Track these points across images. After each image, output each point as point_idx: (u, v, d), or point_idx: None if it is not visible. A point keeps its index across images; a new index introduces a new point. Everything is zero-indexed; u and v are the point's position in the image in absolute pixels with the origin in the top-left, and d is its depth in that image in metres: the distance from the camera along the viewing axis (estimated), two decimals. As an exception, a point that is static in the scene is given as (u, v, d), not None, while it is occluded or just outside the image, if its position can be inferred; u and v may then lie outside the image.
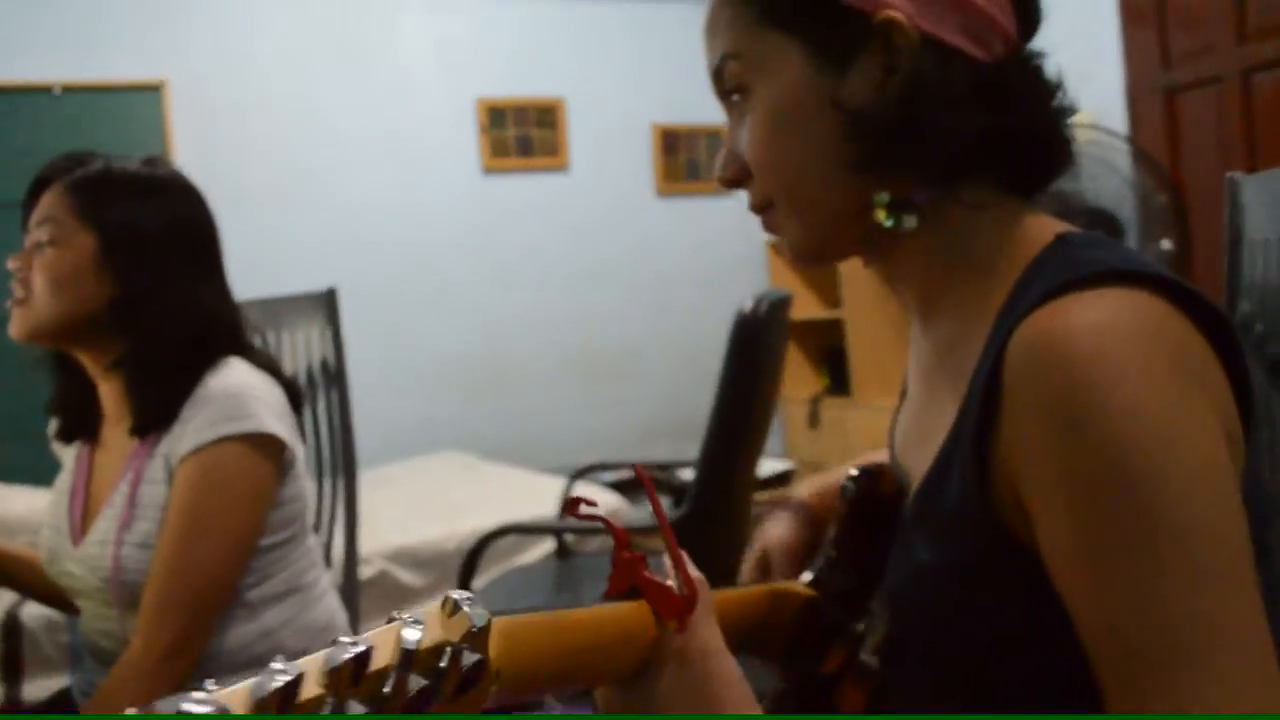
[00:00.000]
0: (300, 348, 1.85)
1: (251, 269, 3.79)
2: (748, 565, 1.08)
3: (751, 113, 0.80)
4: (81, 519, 1.43)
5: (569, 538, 2.68)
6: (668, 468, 3.70)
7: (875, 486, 0.88)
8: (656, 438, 4.56)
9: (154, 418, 1.36)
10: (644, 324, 4.59)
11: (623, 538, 0.69)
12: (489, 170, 4.39)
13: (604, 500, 2.93)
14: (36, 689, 2.27)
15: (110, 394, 1.42)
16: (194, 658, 1.33)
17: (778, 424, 4.63)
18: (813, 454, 4.25)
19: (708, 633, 0.70)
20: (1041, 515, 0.65)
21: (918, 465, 0.84)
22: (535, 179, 4.48)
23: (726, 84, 0.82)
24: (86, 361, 1.42)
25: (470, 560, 2.05)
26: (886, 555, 0.87)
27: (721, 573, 2.00)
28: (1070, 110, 0.79)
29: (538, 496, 3.10)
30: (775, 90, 0.78)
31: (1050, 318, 0.65)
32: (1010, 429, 0.67)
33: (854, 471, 0.89)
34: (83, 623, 1.46)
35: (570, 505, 0.71)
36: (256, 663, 1.40)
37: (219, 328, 1.42)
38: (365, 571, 2.63)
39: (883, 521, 0.89)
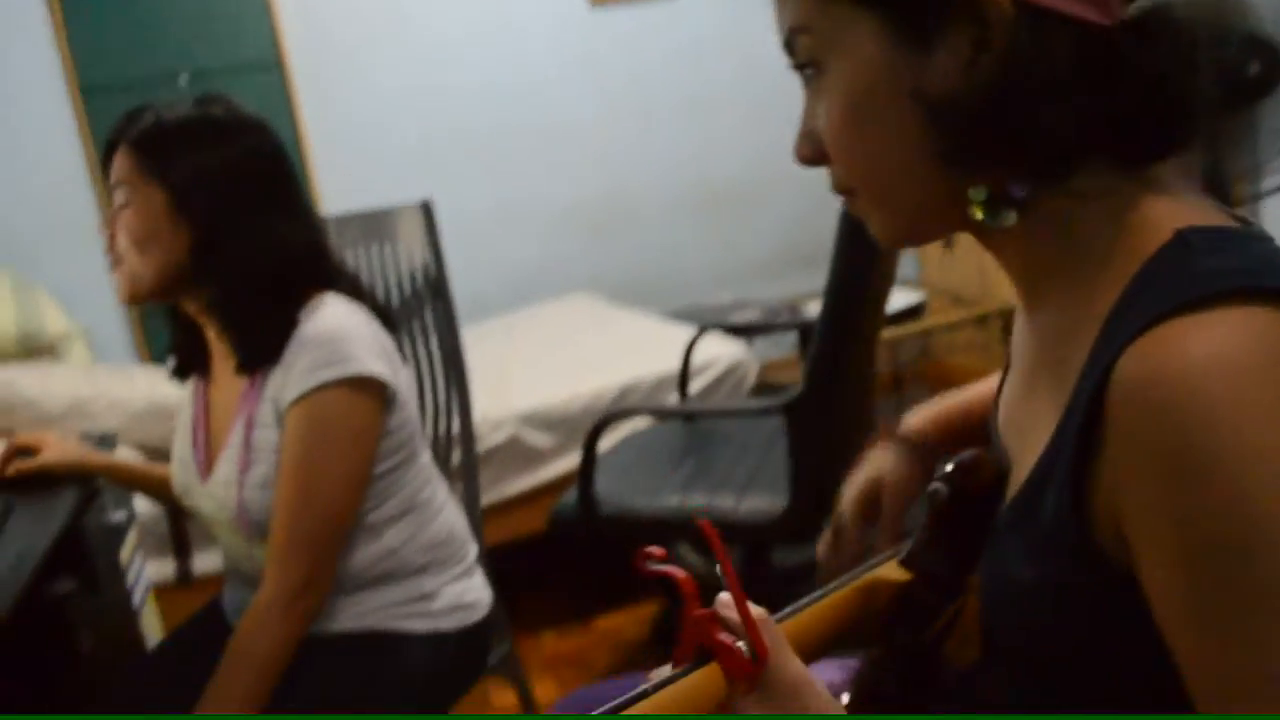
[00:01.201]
0: (403, 260, 1.85)
1: (353, 121, 3.87)
2: (853, 494, 1.06)
3: (826, 93, 0.73)
4: (205, 457, 1.49)
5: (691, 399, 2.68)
6: (795, 305, 3.65)
7: (970, 481, 0.84)
8: (784, 268, 4.47)
9: (254, 357, 1.40)
10: (763, 150, 4.42)
11: (693, 594, 0.68)
12: (595, 2, 4.22)
13: (726, 351, 2.91)
14: (203, 562, 2.43)
15: (214, 336, 1.46)
16: (323, 592, 1.40)
17: (910, 250, 4.48)
18: (947, 282, 4.10)
19: (779, 675, 0.69)
20: (1147, 562, 0.61)
21: (1017, 456, 0.79)
22: (643, 6, 4.29)
23: (798, 58, 0.74)
24: (188, 308, 1.45)
25: (592, 439, 2.07)
26: (984, 538, 0.83)
27: (843, 451, 1.98)
28: (1234, 52, 0.66)
29: (664, 346, 3.10)
30: (850, 72, 0.70)
31: (1160, 349, 0.59)
32: (1113, 468, 0.62)
33: (949, 467, 0.84)
34: (223, 547, 1.54)
35: (640, 558, 0.69)
36: (381, 580, 1.47)
37: (303, 261, 1.43)
38: (497, 436, 2.71)
39: (982, 505, 0.85)
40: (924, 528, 0.88)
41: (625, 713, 0.67)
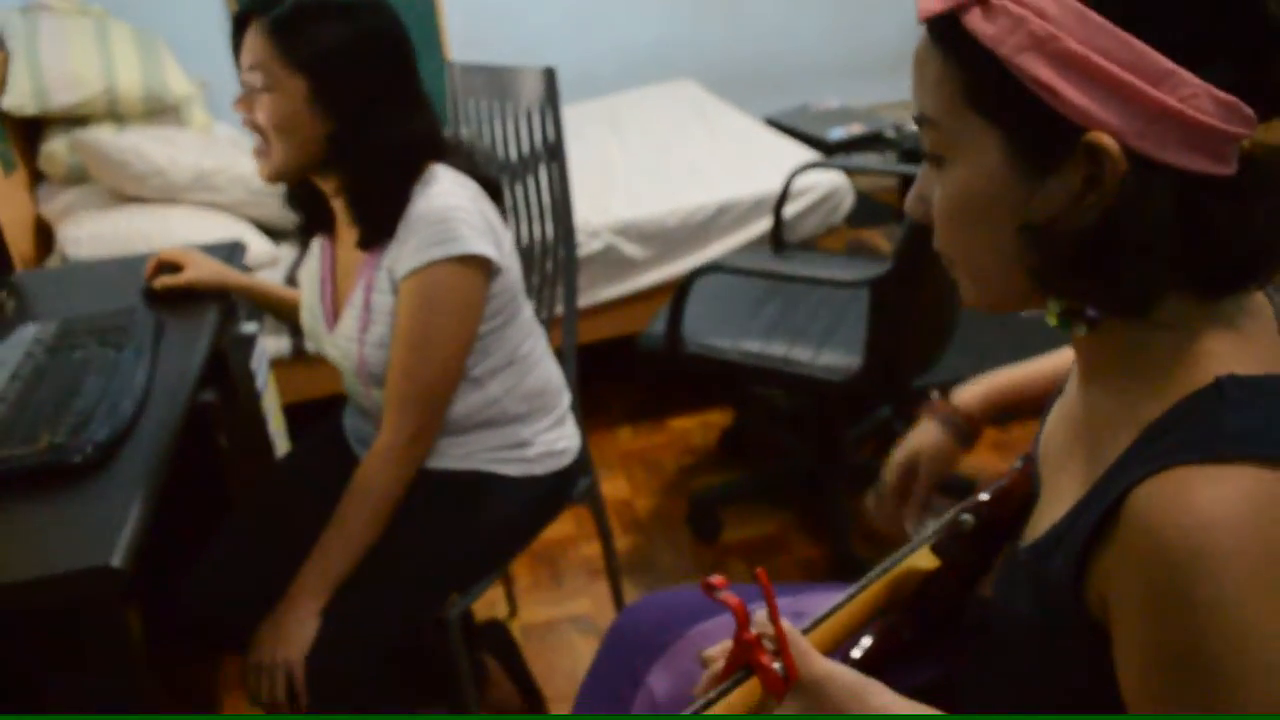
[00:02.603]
0: (522, 117, 1.91)
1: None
2: (895, 463, 1.18)
3: (942, 183, 0.80)
4: (331, 308, 1.65)
5: (786, 223, 2.75)
6: (902, 119, 3.61)
7: (998, 511, 0.96)
8: (906, 66, 4.37)
9: (374, 235, 1.52)
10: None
11: (744, 619, 0.83)
12: None
13: (824, 178, 2.94)
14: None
15: (340, 206, 1.57)
16: (432, 439, 1.58)
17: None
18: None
19: (807, 681, 0.84)
20: (1119, 650, 0.74)
21: (1046, 490, 0.91)
22: None
23: (924, 143, 0.81)
24: (319, 182, 1.57)
25: (682, 290, 2.18)
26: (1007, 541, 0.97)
27: (920, 329, 2.09)
28: None
29: (764, 160, 3.14)
30: (967, 176, 0.77)
31: (1171, 493, 0.69)
32: (1112, 567, 0.74)
33: (983, 497, 0.96)
34: (346, 383, 1.72)
35: (707, 588, 0.84)
36: (483, 426, 1.64)
37: (423, 142, 1.52)
38: (593, 245, 2.82)
39: (1011, 521, 0.98)
40: (954, 516, 1.01)
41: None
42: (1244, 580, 0.67)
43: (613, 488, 2.73)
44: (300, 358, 2.70)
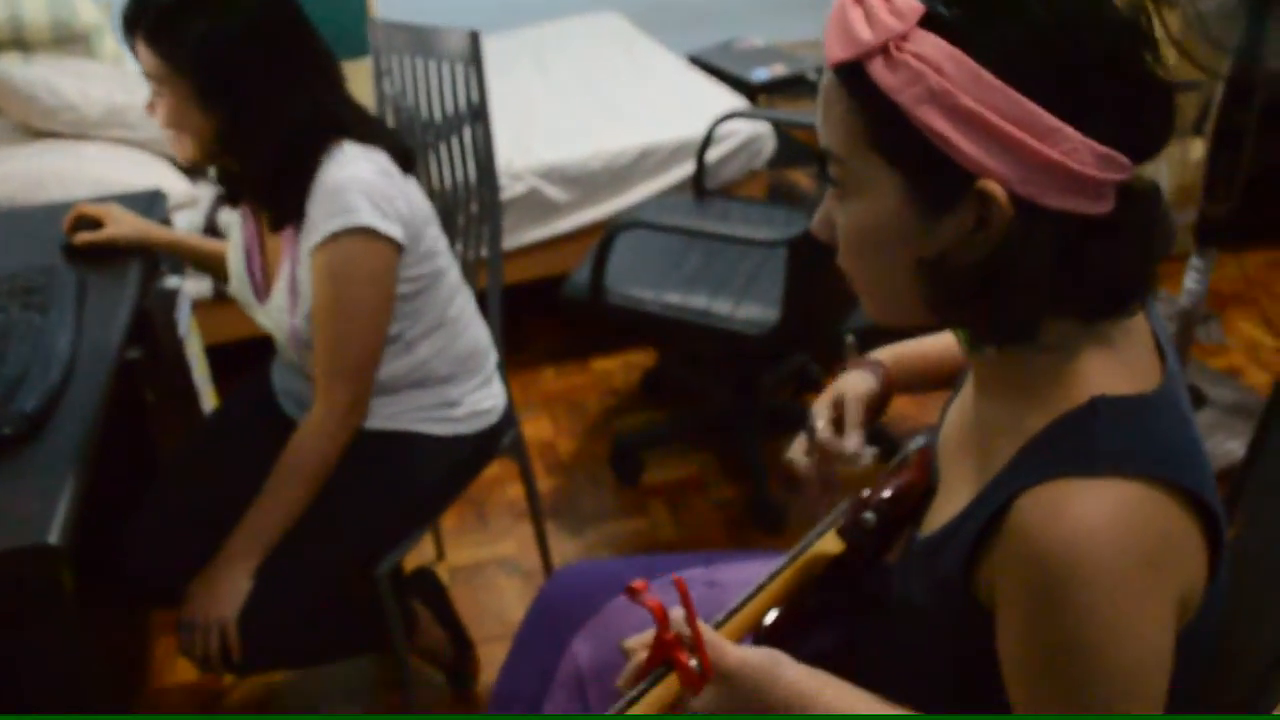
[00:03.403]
0: (446, 80, 1.91)
1: None
2: (823, 403, 1.23)
3: (844, 213, 0.85)
4: (262, 281, 1.66)
5: (707, 168, 2.78)
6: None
7: (898, 509, 1.04)
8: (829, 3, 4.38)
9: (281, 217, 1.55)
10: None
11: (664, 620, 0.89)
12: None
13: (745, 127, 2.97)
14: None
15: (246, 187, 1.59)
16: (365, 408, 1.61)
17: None
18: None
19: (723, 668, 0.91)
20: (1001, 635, 0.82)
21: (942, 482, 0.99)
22: None
23: (829, 174, 0.85)
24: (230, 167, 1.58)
25: (604, 246, 2.22)
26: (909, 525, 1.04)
27: (837, 286, 2.12)
28: (1171, 236, 0.82)
29: (687, 102, 3.16)
30: (868, 210, 0.82)
31: (1047, 505, 0.77)
32: (997, 565, 0.82)
33: (886, 494, 1.04)
34: (277, 344, 1.73)
35: (630, 593, 0.90)
36: (410, 387, 1.68)
37: (319, 121, 1.53)
38: (517, 188, 2.84)
39: (913, 508, 1.05)
40: (856, 502, 1.08)
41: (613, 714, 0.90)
42: (1113, 585, 0.75)
43: (536, 429, 2.78)
44: (221, 299, 2.68)
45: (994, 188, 0.75)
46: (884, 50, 0.75)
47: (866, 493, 1.08)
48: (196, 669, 1.61)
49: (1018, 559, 0.78)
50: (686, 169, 2.95)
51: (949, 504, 0.93)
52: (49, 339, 1.50)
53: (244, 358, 2.57)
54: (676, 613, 0.91)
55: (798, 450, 1.21)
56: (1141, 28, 0.76)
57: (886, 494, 1.04)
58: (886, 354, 1.26)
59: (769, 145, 3.04)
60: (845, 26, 0.78)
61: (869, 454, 1.12)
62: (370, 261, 1.52)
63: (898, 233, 0.81)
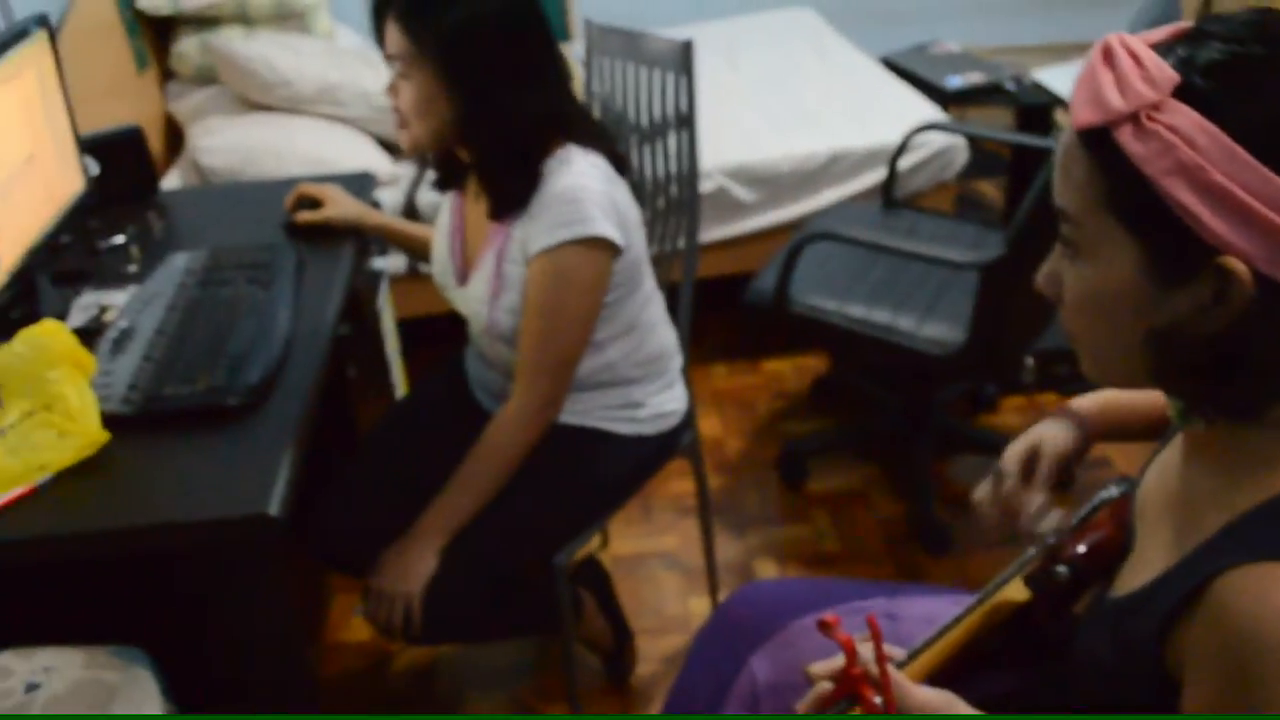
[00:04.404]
0: (656, 86, 1.94)
1: None
2: (1015, 452, 1.22)
3: (1074, 275, 0.84)
4: (462, 264, 1.72)
5: (898, 176, 2.75)
6: (1022, 70, 3.54)
7: (1093, 563, 1.02)
8: (1032, 9, 4.26)
9: (505, 208, 1.59)
10: None
11: (853, 656, 0.91)
12: None
13: (938, 137, 2.93)
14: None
15: (473, 177, 1.64)
16: (561, 404, 1.66)
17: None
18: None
19: (905, 708, 0.92)
20: (1189, 704, 0.81)
21: (1140, 543, 0.97)
22: None
23: (1061, 230, 0.85)
24: (458, 153, 1.64)
25: (791, 255, 2.22)
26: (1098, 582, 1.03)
27: (1028, 314, 2.10)
28: None
29: (879, 106, 3.13)
30: (1099, 274, 0.81)
31: (1253, 586, 0.75)
32: (1193, 639, 0.81)
33: (1080, 549, 1.02)
34: (470, 332, 1.80)
35: (822, 627, 0.91)
36: (598, 386, 1.72)
37: (553, 120, 1.58)
38: (705, 186, 2.85)
39: (1106, 567, 1.03)
40: (1047, 557, 1.07)
41: None
42: None
43: (705, 425, 2.81)
44: (414, 276, 2.79)
45: (1237, 265, 0.73)
46: (1134, 118, 0.74)
47: (1055, 538, 1.07)
48: (379, 634, 1.69)
49: (1217, 638, 0.77)
50: (875, 175, 2.92)
51: (1145, 568, 0.92)
52: (271, 313, 1.60)
53: (432, 332, 2.68)
54: (864, 649, 0.92)
55: (984, 493, 1.21)
56: None
57: (1081, 549, 1.03)
58: (1091, 403, 1.24)
59: (961, 157, 2.99)
60: (1095, 90, 0.77)
61: (1053, 518, 1.11)
62: (591, 268, 1.57)
63: (1129, 300, 0.80)
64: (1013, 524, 1.16)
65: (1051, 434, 1.20)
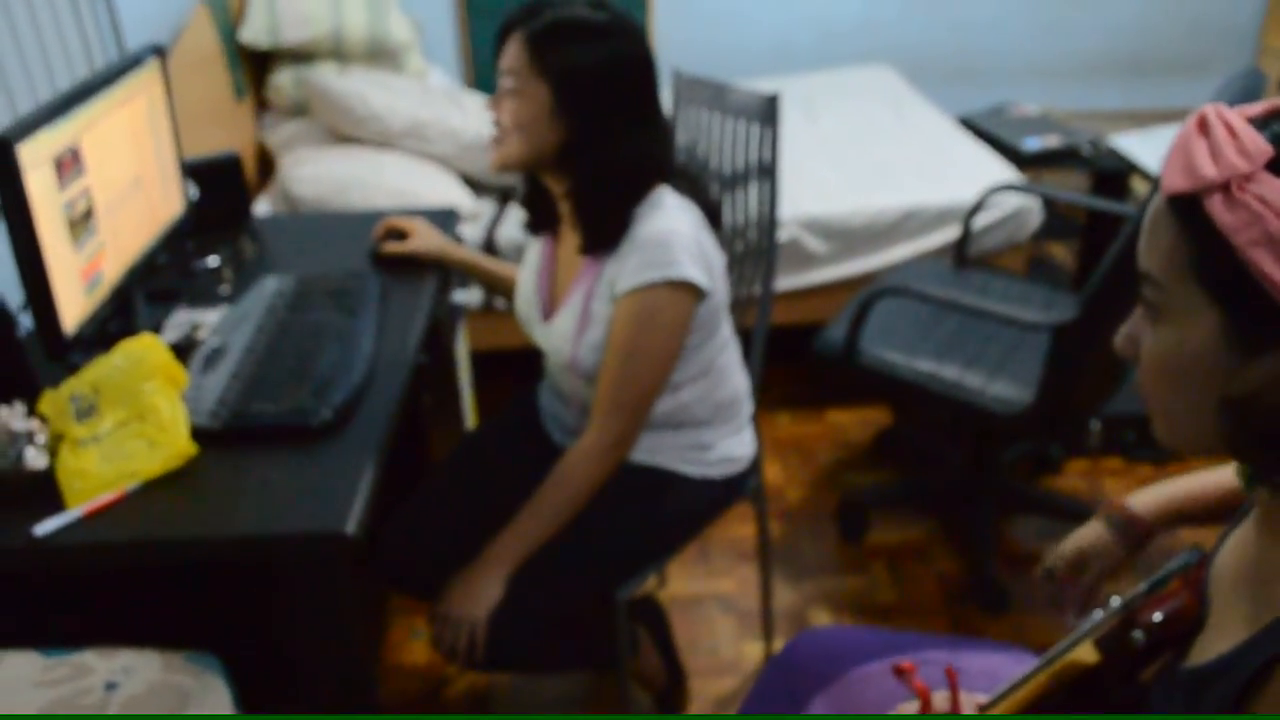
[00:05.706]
0: (740, 137, 1.98)
1: None
2: (1064, 555, 1.24)
3: (1154, 337, 0.85)
4: (548, 300, 1.77)
5: (971, 235, 2.77)
6: (1099, 134, 3.55)
7: (1169, 632, 1.02)
8: (1112, 75, 4.27)
9: (596, 244, 1.63)
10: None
11: (928, 706, 0.92)
12: None
13: (1014, 198, 2.94)
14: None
15: (565, 210, 1.69)
16: (634, 443, 1.70)
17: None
18: None
19: None
20: None
21: (1214, 613, 0.97)
22: None
23: (1144, 293, 0.86)
24: (548, 182, 1.68)
25: (863, 308, 2.25)
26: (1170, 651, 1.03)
27: (1099, 377, 2.10)
28: None
29: (955, 165, 3.14)
30: (1179, 338, 0.82)
31: None
32: (1269, 709, 0.80)
33: (1156, 618, 1.02)
34: (549, 367, 1.84)
35: (899, 673, 0.93)
36: (670, 426, 1.75)
37: (652, 164, 1.62)
38: (779, 235, 2.86)
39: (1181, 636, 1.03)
40: (1121, 621, 1.07)
41: None
42: None
43: (768, 472, 2.82)
44: (489, 310, 2.85)
45: None
46: (1225, 188, 0.76)
47: (1126, 600, 1.07)
48: (443, 659, 1.73)
49: None
50: (946, 234, 2.93)
51: (1220, 638, 0.92)
52: (355, 339, 1.66)
53: (498, 367, 2.73)
54: (937, 699, 0.93)
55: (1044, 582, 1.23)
56: None
57: (1158, 617, 1.03)
58: (1151, 501, 1.24)
59: (1035, 218, 2.99)
60: (1188, 158, 0.79)
61: (1095, 618, 1.12)
62: (675, 310, 1.61)
63: (1208, 367, 0.81)
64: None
65: (1098, 545, 1.21)
